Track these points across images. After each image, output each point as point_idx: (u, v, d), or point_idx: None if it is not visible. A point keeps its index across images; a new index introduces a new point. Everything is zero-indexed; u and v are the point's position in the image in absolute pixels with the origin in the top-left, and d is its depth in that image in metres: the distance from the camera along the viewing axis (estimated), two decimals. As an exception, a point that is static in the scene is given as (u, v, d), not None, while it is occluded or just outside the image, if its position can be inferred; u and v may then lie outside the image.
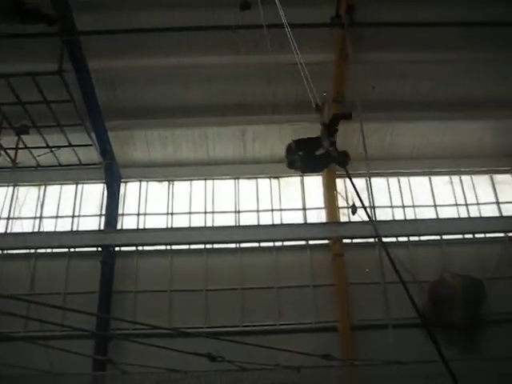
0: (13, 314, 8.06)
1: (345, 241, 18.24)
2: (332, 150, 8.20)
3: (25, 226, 18.34)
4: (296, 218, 18.91)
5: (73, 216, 19.09)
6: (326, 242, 18.37)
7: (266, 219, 18.84)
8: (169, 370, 9.48)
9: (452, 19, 14.98)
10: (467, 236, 18.89)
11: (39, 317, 6.61)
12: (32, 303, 13.01)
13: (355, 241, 18.31)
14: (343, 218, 18.78)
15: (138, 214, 19.08)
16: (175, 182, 19.58)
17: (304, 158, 8.64)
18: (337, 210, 18.75)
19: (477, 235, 18.87)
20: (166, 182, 19.62)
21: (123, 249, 18.39)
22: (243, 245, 18.17)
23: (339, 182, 19.23)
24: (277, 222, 18.76)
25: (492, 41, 16.32)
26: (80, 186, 19.58)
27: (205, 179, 19.46)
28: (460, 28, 14.74)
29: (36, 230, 18.50)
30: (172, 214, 19.02)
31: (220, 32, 15.93)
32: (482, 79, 16.41)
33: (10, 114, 16.55)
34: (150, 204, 19.26)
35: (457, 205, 19.80)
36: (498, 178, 20.50)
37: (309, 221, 18.88)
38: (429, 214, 19.42)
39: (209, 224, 18.73)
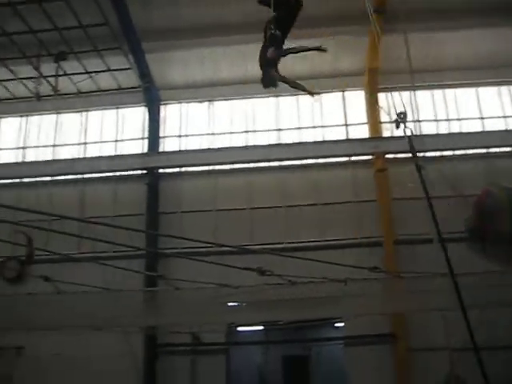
0: (69, 234, 8.40)
1: (388, 156, 18.04)
2: None
3: (70, 153, 18.91)
4: (338, 134, 18.68)
5: (116, 141, 19.32)
6: (368, 157, 18.20)
7: (307, 137, 18.67)
8: (220, 286, 9.78)
9: None
10: (515, 148, 18.40)
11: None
12: (84, 223, 13.54)
13: (399, 156, 18.07)
14: (386, 133, 18.44)
15: (180, 136, 19.16)
16: (215, 103, 19.46)
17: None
18: (379, 124, 18.39)
19: (526, 148, 18.35)
20: (206, 103, 19.51)
21: (167, 171, 18.71)
22: (284, 163, 18.16)
23: (382, 95, 18.76)
24: (319, 139, 18.57)
25: None
26: (121, 111, 19.67)
27: (244, 98, 19.21)
28: None
29: (81, 156, 18.94)
30: (213, 134, 19.05)
31: None
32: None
33: (47, 42, 16.65)
34: (191, 125, 19.27)
35: (505, 117, 19.10)
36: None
37: (351, 137, 18.63)
38: (475, 126, 18.87)
39: (250, 143, 18.69)
